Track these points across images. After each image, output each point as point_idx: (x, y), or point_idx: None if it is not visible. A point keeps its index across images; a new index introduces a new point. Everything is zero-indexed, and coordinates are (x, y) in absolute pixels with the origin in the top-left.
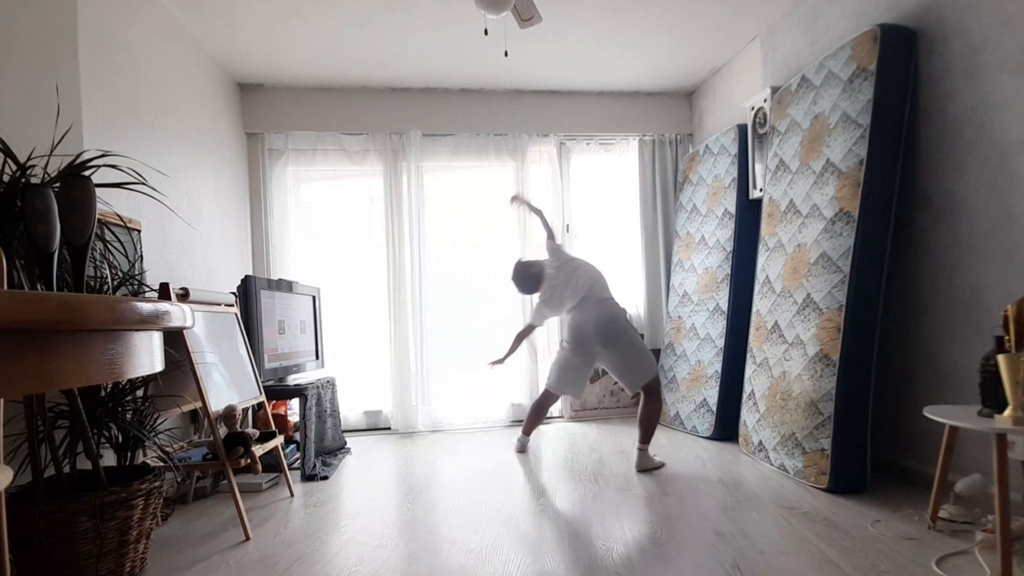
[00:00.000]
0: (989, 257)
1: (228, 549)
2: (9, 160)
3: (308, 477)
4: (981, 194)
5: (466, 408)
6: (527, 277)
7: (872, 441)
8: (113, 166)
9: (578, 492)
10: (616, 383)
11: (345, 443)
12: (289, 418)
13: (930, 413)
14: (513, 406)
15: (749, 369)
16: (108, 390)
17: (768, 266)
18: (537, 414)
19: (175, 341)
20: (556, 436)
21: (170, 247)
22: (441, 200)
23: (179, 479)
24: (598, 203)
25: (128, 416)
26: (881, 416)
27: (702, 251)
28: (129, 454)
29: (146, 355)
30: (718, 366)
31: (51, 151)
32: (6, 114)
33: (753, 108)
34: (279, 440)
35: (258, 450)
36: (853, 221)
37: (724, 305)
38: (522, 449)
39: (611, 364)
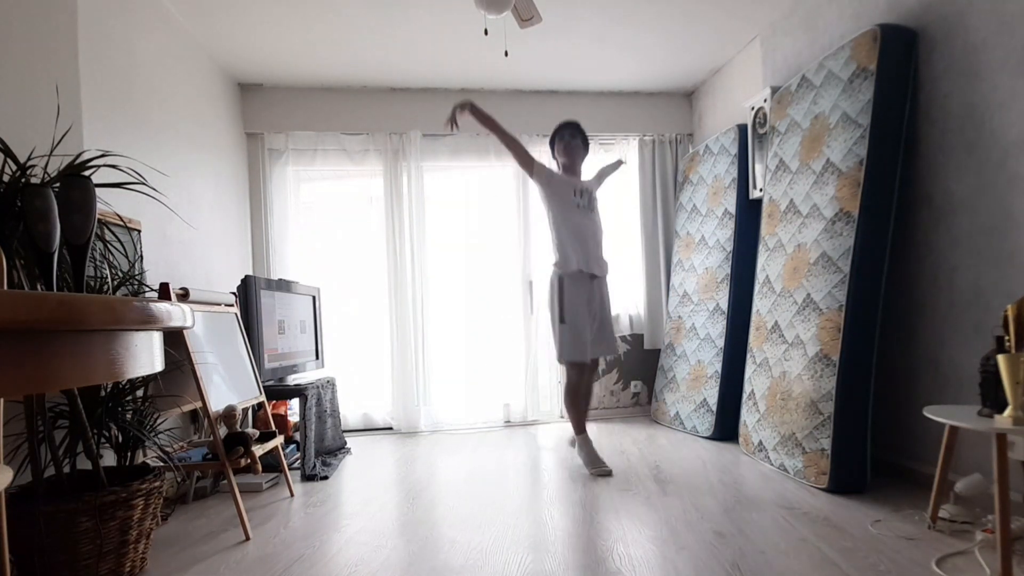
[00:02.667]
0: (989, 257)
1: (228, 549)
2: (9, 160)
3: (308, 477)
4: (981, 194)
5: (467, 408)
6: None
7: (872, 441)
8: (113, 166)
9: (578, 492)
10: (617, 381)
11: (345, 443)
12: (289, 418)
13: (930, 413)
14: (506, 406)
15: (749, 369)
16: (108, 390)
17: (768, 266)
18: (572, 400)
19: (175, 341)
20: (556, 436)
21: (170, 247)
22: (441, 200)
23: (179, 479)
24: (598, 203)
25: (128, 416)
26: (881, 416)
27: (702, 251)
28: (129, 454)
29: (146, 355)
30: (718, 366)
31: (51, 151)
32: (6, 114)
33: (753, 108)
34: (279, 440)
35: (258, 450)
36: (853, 221)
37: (724, 305)
38: (594, 463)
39: None
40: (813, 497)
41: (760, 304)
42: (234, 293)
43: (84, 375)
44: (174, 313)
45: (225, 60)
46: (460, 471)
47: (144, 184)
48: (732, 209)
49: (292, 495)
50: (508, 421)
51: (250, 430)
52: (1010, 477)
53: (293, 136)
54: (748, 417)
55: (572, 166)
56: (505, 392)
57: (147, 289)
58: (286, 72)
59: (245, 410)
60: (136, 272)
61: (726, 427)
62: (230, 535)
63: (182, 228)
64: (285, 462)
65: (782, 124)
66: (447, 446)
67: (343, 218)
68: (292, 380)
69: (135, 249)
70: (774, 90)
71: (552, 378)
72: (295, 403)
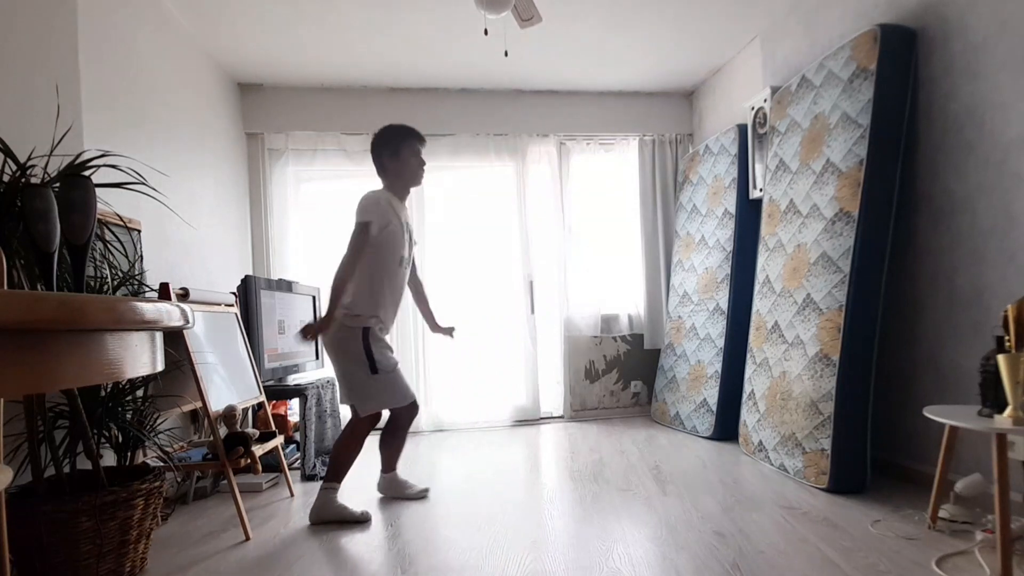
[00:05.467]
0: (989, 257)
1: (228, 549)
2: (9, 160)
3: (308, 477)
4: (981, 194)
5: (467, 408)
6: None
7: (872, 441)
8: (113, 166)
9: (578, 492)
10: (617, 381)
11: None
12: (289, 418)
13: (930, 413)
14: (516, 408)
15: (749, 369)
16: (108, 390)
17: (768, 266)
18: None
19: (175, 341)
20: (556, 436)
21: (170, 247)
22: (441, 200)
23: (179, 479)
24: (598, 203)
25: (128, 416)
26: (881, 416)
27: (702, 251)
28: (129, 454)
29: (146, 355)
30: (718, 366)
31: (51, 151)
32: (6, 114)
33: (753, 108)
34: (279, 440)
35: (258, 450)
36: (853, 221)
37: (724, 305)
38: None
39: None
40: (813, 497)
41: (760, 304)
42: (234, 293)
43: (84, 375)
44: (174, 313)
45: (225, 60)
46: (461, 471)
47: (144, 184)
48: (732, 209)
49: (292, 495)
50: (513, 420)
51: (250, 430)
52: (1010, 477)
53: (293, 136)
54: (748, 417)
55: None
56: (507, 391)
57: (147, 289)
58: (286, 72)
59: (245, 410)
60: (136, 272)
61: (726, 427)
62: (230, 535)
63: (182, 228)
64: (285, 462)
65: (782, 124)
66: (448, 446)
67: (343, 218)
68: (292, 380)
69: (135, 249)
70: (774, 90)
71: (554, 377)
72: (295, 403)
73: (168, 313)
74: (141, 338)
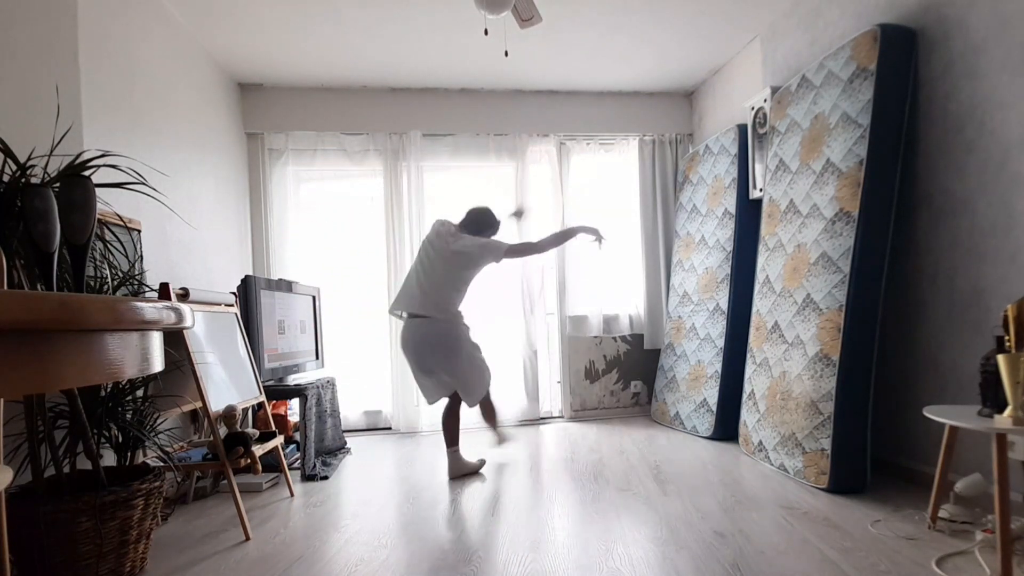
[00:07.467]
0: (989, 257)
1: (228, 549)
2: (9, 160)
3: (308, 477)
4: (982, 194)
5: (467, 408)
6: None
7: (872, 441)
8: (113, 166)
9: (578, 492)
10: (617, 381)
11: (345, 443)
12: (289, 418)
13: (930, 413)
14: (516, 408)
15: (749, 369)
16: (108, 390)
17: (768, 266)
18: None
19: (175, 341)
20: (556, 436)
21: (170, 247)
22: (441, 200)
23: (179, 479)
24: (598, 203)
25: (128, 416)
26: (881, 416)
27: (702, 251)
28: (129, 454)
29: (146, 355)
30: (718, 366)
31: (51, 151)
32: (6, 114)
33: (753, 108)
34: (279, 440)
35: (258, 450)
36: (853, 221)
37: (724, 305)
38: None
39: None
40: (813, 497)
41: (760, 304)
42: (234, 293)
43: (84, 375)
44: (174, 313)
45: (225, 60)
46: None
47: (144, 184)
48: (732, 209)
49: (292, 495)
50: (513, 420)
51: (250, 430)
52: (1010, 477)
53: (293, 136)
54: (748, 417)
55: None
56: (507, 392)
57: (147, 289)
58: (286, 72)
59: (245, 410)
60: (136, 272)
61: (726, 427)
62: (230, 535)
63: (182, 228)
64: (285, 462)
65: (782, 124)
66: None
67: (343, 218)
68: (292, 380)
69: (135, 249)
70: (774, 90)
71: (553, 377)
72: (295, 403)
73: (168, 313)
74: (141, 338)
